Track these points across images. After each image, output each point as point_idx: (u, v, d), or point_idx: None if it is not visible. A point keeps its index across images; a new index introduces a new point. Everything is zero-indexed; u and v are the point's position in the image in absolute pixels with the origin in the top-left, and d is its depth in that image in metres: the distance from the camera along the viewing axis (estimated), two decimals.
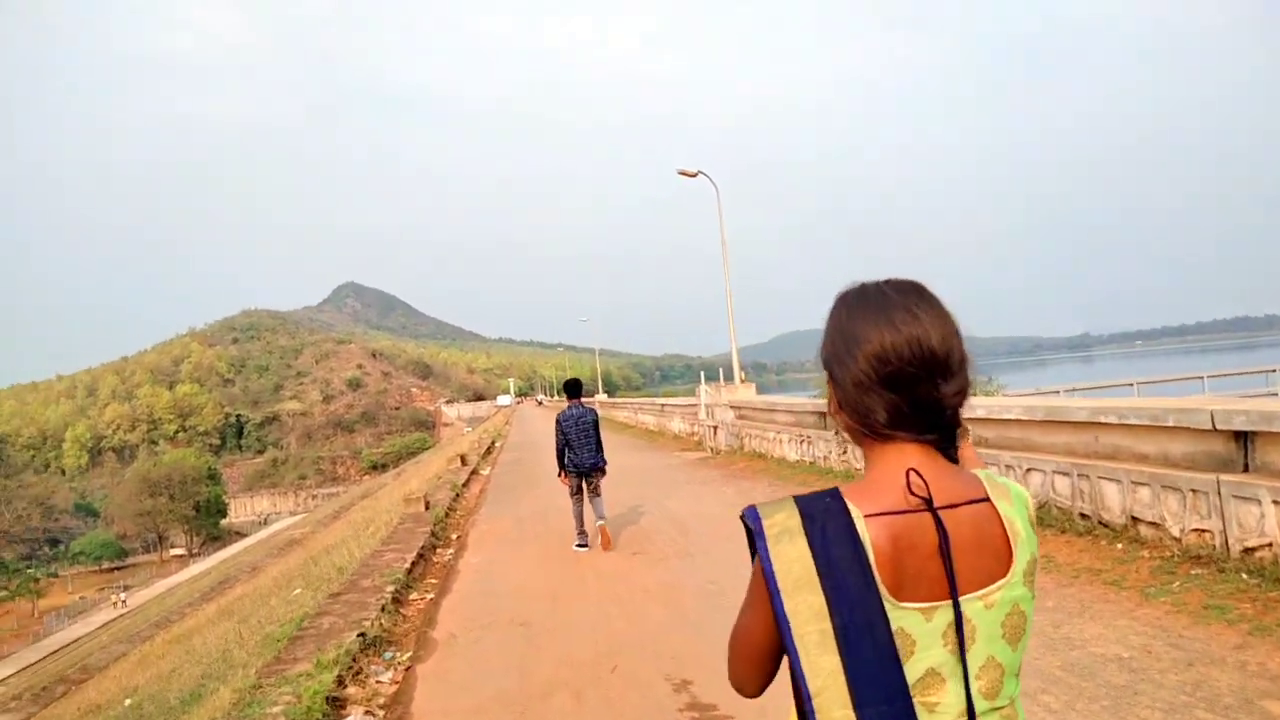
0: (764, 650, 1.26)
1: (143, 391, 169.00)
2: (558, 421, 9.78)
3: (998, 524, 1.26)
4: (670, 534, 10.18)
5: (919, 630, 1.19)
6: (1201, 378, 24.00)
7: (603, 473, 10.01)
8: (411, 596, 8.12)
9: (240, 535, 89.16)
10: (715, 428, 20.27)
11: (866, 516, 1.19)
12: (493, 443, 31.77)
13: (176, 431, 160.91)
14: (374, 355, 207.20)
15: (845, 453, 13.02)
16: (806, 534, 1.18)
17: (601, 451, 9.96)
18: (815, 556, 1.17)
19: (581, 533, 9.84)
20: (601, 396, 61.05)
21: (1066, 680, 4.54)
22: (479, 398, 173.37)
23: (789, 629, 1.16)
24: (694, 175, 22.07)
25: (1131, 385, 23.69)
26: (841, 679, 1.14)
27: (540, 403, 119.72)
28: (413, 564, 9.07)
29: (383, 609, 7.12)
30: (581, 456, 9.75)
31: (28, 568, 77.34)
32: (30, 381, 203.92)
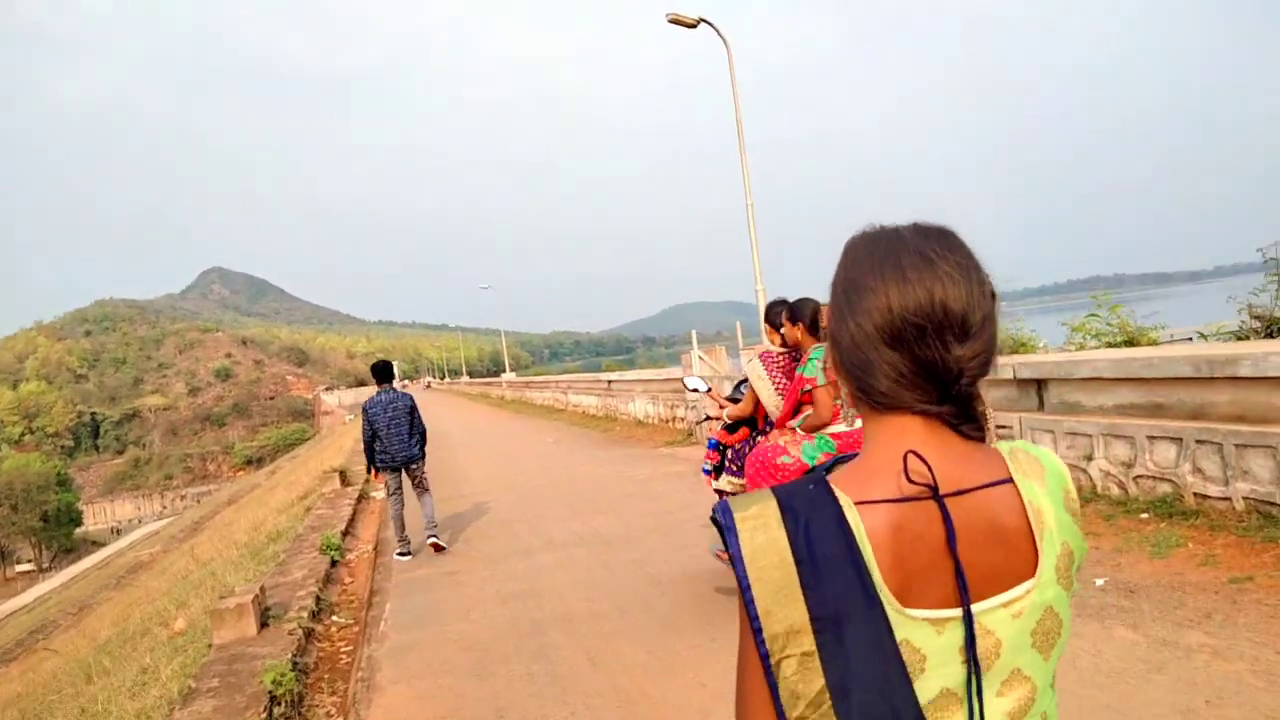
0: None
1: None
2: (364, 410, 8.88)
3: (1020, 512, 1.00)
4: None
5: (930, 644, 0.94)
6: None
7: (422, 463, 9.01)
8: None
9: (98, 545, 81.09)
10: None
11: (858, 504, 0.95)
12: None
13: (22, 434, 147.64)
14: (244, 343, 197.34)
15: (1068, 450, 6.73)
16: (786, 529, 0.94)
17: (421, 441, 9.00)
18: (796, 555, 0.93)
19: (403, 539, 8.78)
20: (509, 375, 54.02)
21: None
22: (361, 384, 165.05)
23: (766, 654, 0.93)
24: (693, 25, 15.00)
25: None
26: (828, 711, 0.90)
27: (429, 385, 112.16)
28: None
29: None
30: (393, 447, 8.72)
31: None
32: None
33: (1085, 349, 8.38)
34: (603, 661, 5.01)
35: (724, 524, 0.97)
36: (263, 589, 6.38)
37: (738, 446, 5.89)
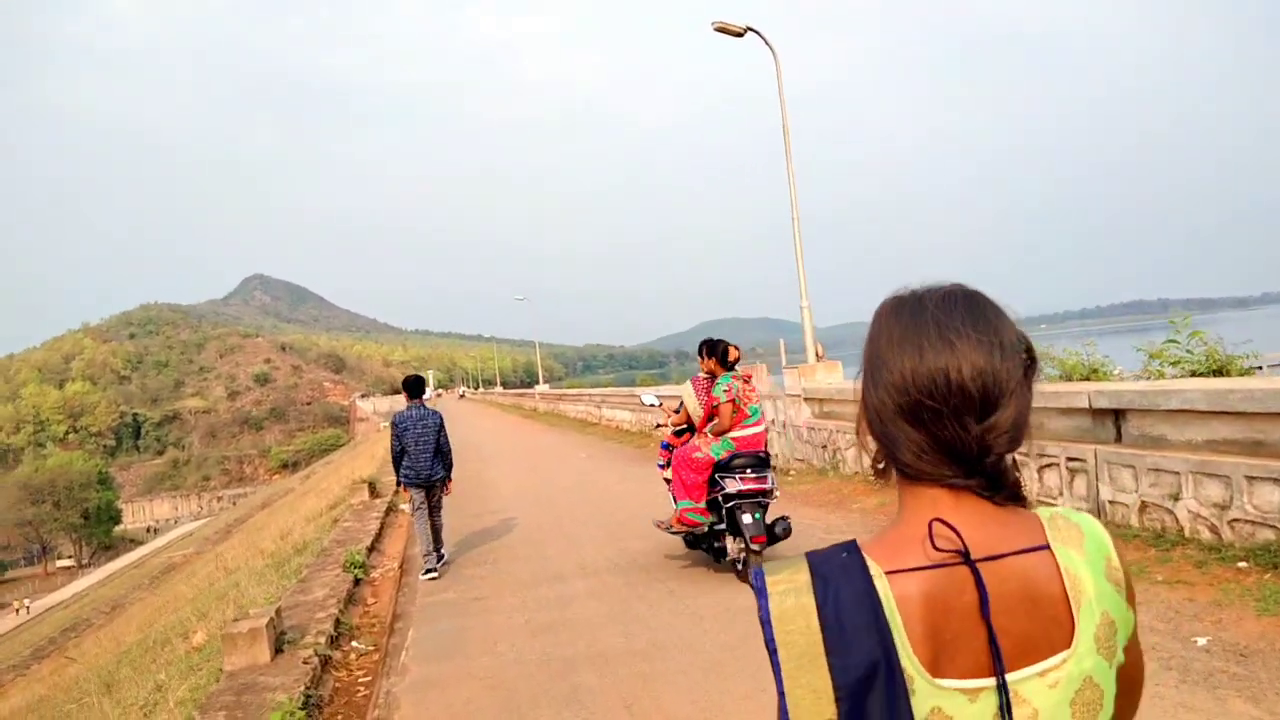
0: None
1: (28, 391, 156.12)
2: (393, 424, 8.77)
3: (1057, 579, 0.97)
4: None
5: (962, 713, 0.92)
6: None
7: (444, 484, 8.97)
8: None
9: (136, 543, 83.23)
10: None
11: (889, 573, 0.94)
12: None
13: (67, 433, 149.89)
14: (283, 349, 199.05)
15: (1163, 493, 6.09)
16: (816, 595, 0.93)
17: (447, 461, 8.92)
18: (824, 623, 0.92)
19: (428, 555, 8.52)
20: (543, 387, 53.76)
21: None
22: (396, 391, 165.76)
23: (787, 718, 0.91)
24: (740, 34, 14.54)
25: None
26: None
27: (463, 395, 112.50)
28: None
29: None
30: (419, 464, 8.61)
31: None
32: None
33: (1164, 377, 7.78)
34: (641, 710, 4.53)
35: (756, 587, 0.96)
36: (279, 611, 5.99)
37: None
